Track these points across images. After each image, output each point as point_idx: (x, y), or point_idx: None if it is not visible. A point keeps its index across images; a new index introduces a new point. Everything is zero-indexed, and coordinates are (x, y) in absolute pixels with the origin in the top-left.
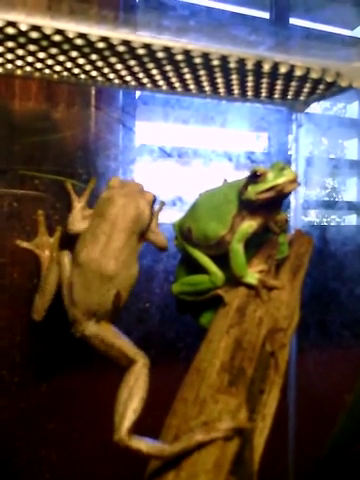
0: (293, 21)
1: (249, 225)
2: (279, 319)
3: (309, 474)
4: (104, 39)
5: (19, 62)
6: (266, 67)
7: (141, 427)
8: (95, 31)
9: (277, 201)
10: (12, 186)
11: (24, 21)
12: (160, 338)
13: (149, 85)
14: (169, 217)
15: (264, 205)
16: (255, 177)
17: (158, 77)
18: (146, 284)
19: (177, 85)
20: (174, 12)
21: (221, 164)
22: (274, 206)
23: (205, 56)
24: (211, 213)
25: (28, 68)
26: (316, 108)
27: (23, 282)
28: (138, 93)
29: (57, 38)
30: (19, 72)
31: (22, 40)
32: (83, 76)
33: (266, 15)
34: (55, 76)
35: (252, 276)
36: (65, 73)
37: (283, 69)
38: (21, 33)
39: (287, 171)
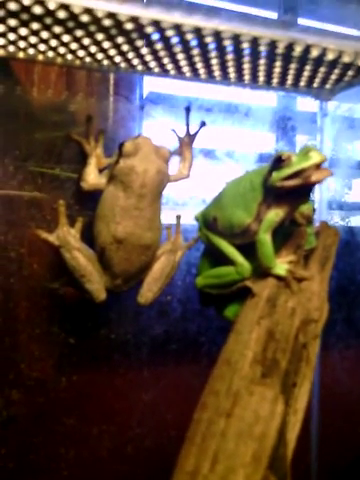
0: (301, 21)
1: (275, 213)
2: (311, 310)
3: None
4: (133, 19)
5: (42, 46)
6: (297, 50)
7: (162, 422)
8: (124, 10)
9: (304, 188)
10: (32, 176)
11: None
12: (182, 332)
13: (173, 71)
14: (188, 217)
15: (291, 192)
16: (279, 162)
17: (183, 62)
18: None
19: (202, 72)
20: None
21: (244, 164)
22: (302, 193)
23: (236, 38)
24: (237, 201)
25: (50, 53)
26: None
27: (43, 273)
28: (146, 91)
29: (85, 18)
30: (41, 57)
31: (48, 21)
32: (106, 62)
33: (274, 15)
34: (77, 62)
35: (281, 267)
36: (88, 59)
37: (315, 52)
38: (48, 12)
39: (313, 153)
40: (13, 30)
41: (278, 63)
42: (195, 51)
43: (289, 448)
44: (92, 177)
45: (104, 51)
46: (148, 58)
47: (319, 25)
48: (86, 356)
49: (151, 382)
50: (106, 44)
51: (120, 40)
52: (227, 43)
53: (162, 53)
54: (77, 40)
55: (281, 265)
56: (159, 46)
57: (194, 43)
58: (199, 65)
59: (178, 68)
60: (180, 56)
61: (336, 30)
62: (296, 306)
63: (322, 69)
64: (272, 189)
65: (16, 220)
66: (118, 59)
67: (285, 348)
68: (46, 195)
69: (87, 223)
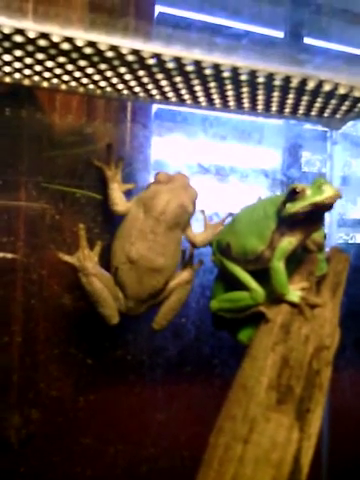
0: (307, 40)
1: (289, 242)
2: (323, 337)
3: None
4: (156, 56)
5: (66, 77)
6: (311, 85)
7: (176, 443)
8: (148, 47)
9: (317, 216)
10: (53, 199)
11: (82, 37)
12: (195, 354)
13: (189, 101)
14: None
15: (304, 220)
16: (293, 194)
17: (200, 94)
18: None
19: (217, 102)
20: (190, 29)
21: (257, 181)
22: (314, 221)
23: (252, 74)
24: (250, 228)
25: (73, 83)
26: None
27: (62, 294)
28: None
29: (110, 54)
30: (64, 87)
31: (75, 55)
32: (126, 91)
33: (280, 34)
34: (98, 91)
35: (294, 294)
36: (109, 89)
37: (327, 87)
38: (76, 48)
39: (326, 187)
40: (40, 63)
41: (291, 95)
42: (212, 84)
43: (303, 473)
44: (123, 201)
45: (125, 82)
46: (167, 89)
47: (324, 44)
48: (103, 376)
49: (165, 402)
50: (128, 76)
51: (141, 73)
52: (244, 78)
53: (180, 85)
54: (100, 72)
55: (294, 292)
56: (178, 79)
57: (212, 77)
58: (215, 96)
59: (195, 98)
60: (197, 88)
61: (340, 49)
62: (309, 333)
63: (333, 101)
64: (285, 218)
65: (38, 243)
66: (137, 89)
67: (299, 375)
68: (49, 207)
69: (105, 246)
